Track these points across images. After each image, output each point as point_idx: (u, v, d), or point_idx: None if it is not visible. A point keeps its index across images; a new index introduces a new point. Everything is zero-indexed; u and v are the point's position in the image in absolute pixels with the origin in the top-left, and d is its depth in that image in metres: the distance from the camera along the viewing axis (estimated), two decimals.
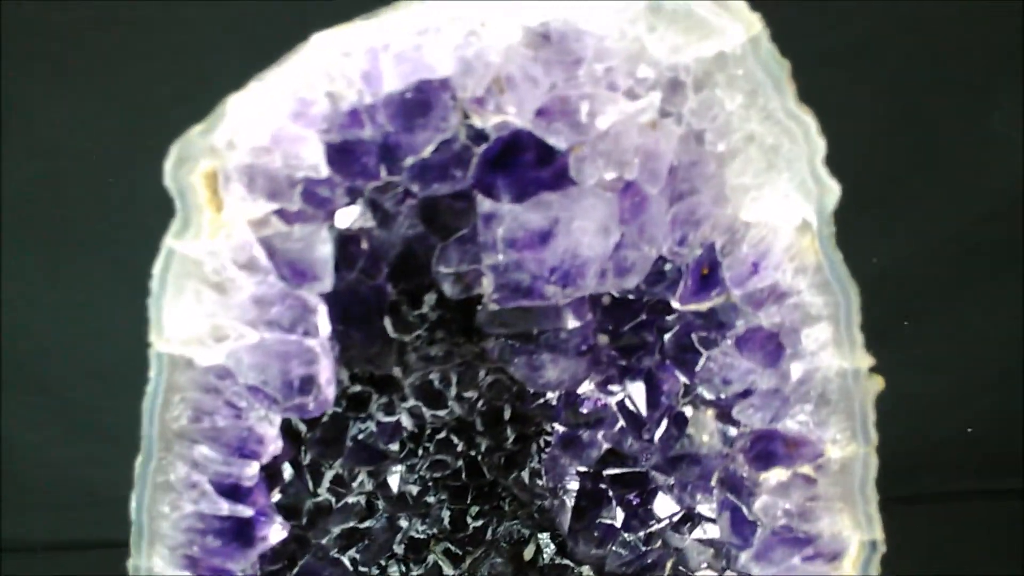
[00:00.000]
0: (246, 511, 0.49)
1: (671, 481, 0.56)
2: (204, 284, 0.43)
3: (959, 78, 0.95)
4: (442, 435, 0.66)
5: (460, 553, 0.77)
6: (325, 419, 0.58)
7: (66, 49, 0.86)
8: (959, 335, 1.11)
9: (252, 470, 0.48)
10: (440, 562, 0.77)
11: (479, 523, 0.75)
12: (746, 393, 0.45)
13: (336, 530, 0.64)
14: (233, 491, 0.49)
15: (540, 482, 0.70)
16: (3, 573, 1.05)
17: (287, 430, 0.56)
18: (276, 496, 0.55)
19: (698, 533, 0.56)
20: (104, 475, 0.87)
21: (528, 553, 0.77)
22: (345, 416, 0.59)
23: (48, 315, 0.99)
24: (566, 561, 0.76)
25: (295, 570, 0.58)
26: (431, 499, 0.71)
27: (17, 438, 1.03)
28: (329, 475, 0.61)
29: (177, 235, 0.43)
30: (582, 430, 0.57)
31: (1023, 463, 1.15)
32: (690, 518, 0.59)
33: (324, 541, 0.63)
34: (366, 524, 0.67)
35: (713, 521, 0.54)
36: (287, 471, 0.56)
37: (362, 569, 0.69)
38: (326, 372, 0.46)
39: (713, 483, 0.50)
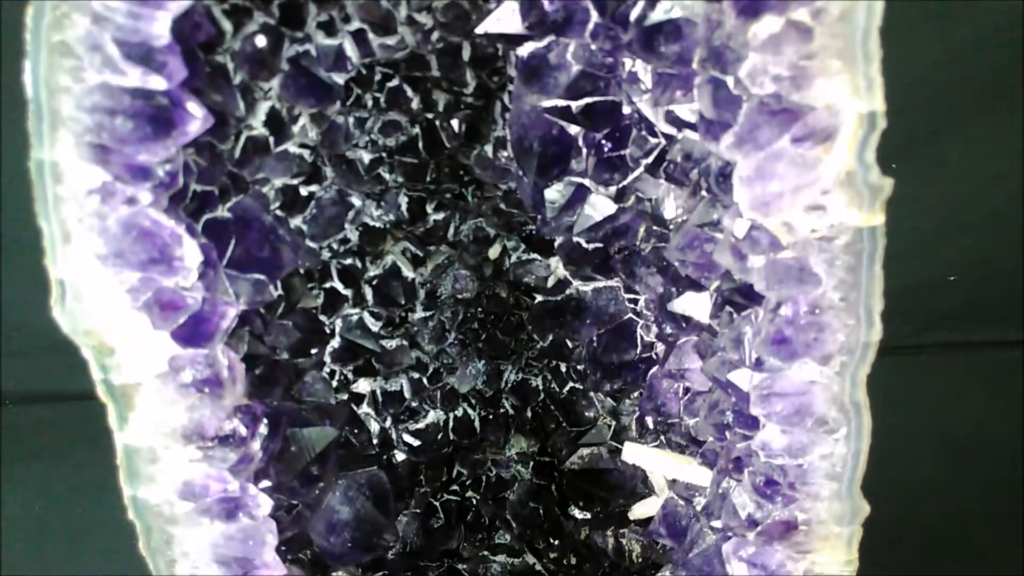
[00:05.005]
0: (159, 83, 0.42)
1: (645, 99, 0.50)
2: None
3: None
4: (394, 83, 0.59)
5: (421, 255, 0.72)
6: (255, 28, 0.51)
7: None
8: (943, 173, 1.04)
9: (161, 25, 0.41)
10: (399, 263, 0.72)
11: (440, 216, 0.70)
12: None
13: (278, 183, 0.58)
14: (144, 57, 0.42)
15: (505, 154, 0.64)
16: None
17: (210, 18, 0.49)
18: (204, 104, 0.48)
19: (676, 153, 0.51)
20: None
21: (493, 252, 0.72)
22: (278, 29, 0.51)
23: None
24: (534, 255, 0.71)
25: (228, 203, 0.52)
26: (386, 176, 0.65)
27: None
28: (264, 107, 0.54)
29: None
30: (550, 48, 0.51)
31: (1022, 314, 1.09)
32: (665, 154, 0.54)
33: (264, 190, 0.57)
34: (312, 188, 0.61)
35: (692, 127, 0.48)
36: (216, 75, 0.49)
37: (311, 244, 0.63)
38: None
39: (695, 65, 0.44)
